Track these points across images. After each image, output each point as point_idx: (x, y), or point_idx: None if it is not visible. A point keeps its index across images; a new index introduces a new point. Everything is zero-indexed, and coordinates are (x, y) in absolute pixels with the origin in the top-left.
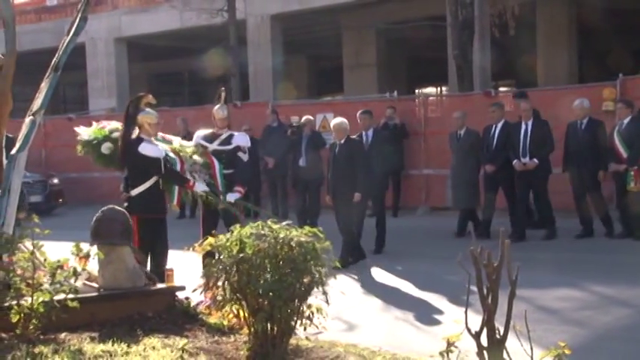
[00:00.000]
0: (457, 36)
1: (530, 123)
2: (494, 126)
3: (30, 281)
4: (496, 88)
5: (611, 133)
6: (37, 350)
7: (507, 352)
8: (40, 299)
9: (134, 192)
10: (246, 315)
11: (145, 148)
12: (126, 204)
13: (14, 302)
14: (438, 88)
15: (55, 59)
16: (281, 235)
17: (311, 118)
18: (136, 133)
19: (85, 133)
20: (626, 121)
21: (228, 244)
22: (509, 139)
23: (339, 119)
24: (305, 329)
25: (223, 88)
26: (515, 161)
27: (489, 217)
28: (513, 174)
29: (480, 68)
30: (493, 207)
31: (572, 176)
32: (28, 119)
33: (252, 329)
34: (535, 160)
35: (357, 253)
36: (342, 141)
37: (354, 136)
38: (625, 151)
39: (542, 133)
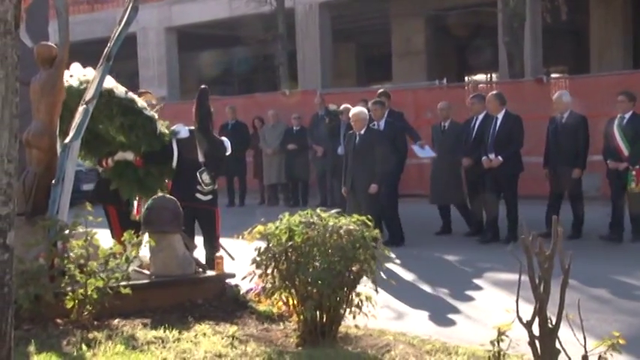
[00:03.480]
0: (508, 22)
1: (500, 117)
2: (474, 118)
3: (84, 268)
4: (548, 74)
5: (610, 127)
6: (91, 336)
7: (560, 342)
8: (94, 286)
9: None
10: (296, 303)
11: (226, 140)
12: (210, 197)
13: (69, 289)
14: (489, 75)
15: (107, 49)
16: (330, 224)
17: (349, 106)
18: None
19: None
20: (627, 115)
21: (277, 232)
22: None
23: (358, 109)
24: (354, 317)
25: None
26: (483, 158)
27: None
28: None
29: (531, 54)
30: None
31: (550, 174)
32: (81, 108)
33: (302, 317)
34: (499, 157)
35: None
36: (362, 131)
37: (372, 126)
38: (627, 148)
39: (509, 128)
